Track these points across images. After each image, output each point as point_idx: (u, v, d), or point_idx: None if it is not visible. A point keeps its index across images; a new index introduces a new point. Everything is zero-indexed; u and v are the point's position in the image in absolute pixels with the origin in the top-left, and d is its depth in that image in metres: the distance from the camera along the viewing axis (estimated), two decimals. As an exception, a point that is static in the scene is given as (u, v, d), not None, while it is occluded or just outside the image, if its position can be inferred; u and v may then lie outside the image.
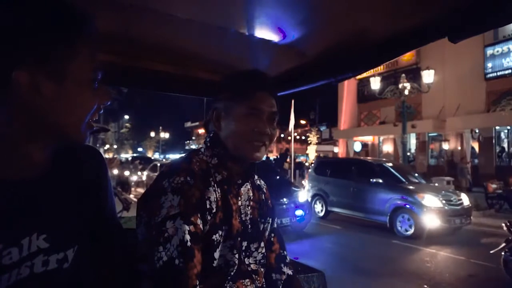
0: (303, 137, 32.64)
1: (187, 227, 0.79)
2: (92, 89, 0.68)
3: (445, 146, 17.30)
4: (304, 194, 7.48)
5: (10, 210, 0.63)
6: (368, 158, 14.67)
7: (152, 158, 29.51)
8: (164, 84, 1.60)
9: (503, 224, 4.61)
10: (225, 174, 0.95)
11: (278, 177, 8.33)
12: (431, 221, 7.15)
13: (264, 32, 1.18)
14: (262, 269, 1.01)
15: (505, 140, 16.43)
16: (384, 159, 12.74)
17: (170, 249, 0.77)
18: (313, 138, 28.78)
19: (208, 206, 0.85)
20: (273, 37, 1.20)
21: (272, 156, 23.36)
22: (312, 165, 11.69)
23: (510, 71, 15.04)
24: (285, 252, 1.14)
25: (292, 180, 12.54)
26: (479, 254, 5.89)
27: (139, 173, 17.23)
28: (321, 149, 28.28)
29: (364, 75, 16.43)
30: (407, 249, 6.59)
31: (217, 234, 0.87)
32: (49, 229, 0.67)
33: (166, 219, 0.79)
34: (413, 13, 1.01)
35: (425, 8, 0.98)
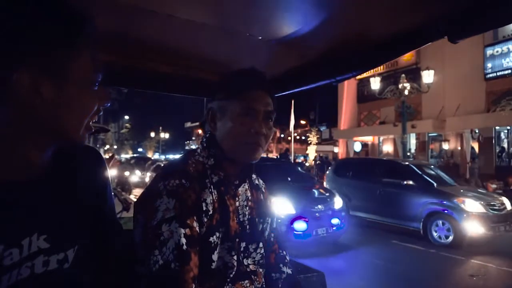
0: (303, 137, 32.65)
1: (182, 230, 0.79)
2: (92, 90, 0.68)
3: (445, 146, 17.29)
4: (339, 199, 6.53)
5: (11, 210, 0.63)
6: (397, 158, 13.66)
7: (152, 158, 29.51)
8: (164, 84, 1.60)
9: None
10: (222, 175, 0.94)
11: (313, 182, 7.65)
12: (473, 228, 6.33)
13: (264, 32, 1.18)
14: (261, 270, 1.01)
15: (505, 140, 16.41)
16: (414, 160, 11.82)
17: (166, 252, 0.76)
18: (313, 138, 28.79)
19: (204, 208, 0.85)
20: (273, 37, 1.20)
21: (272, 156, 23.36)
22: (332, 166, 10.80)
23: (510, 71, 15.03)
24: (284, 252, 1.14)
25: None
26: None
27: (148, 174, 17.16)
28: (321, 149, 28.28)
29: (364, 75, 16.43)
30: (449, 260, 5.85)
31: (214, 236, 0.86)
32: (49, 229, 0.67)
33: (162, 223, 0.79)
34: (413, 13, 1.01)
35: (425, 8, 0.98)
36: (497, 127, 15.80)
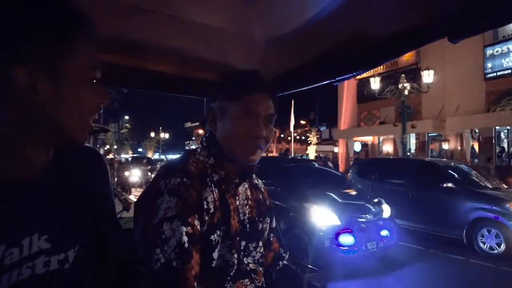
0: (303, 137, 32.65)
1: (184, 229, 0.79)
2: (91, 88, 0.67)
3: (445, 146, 17.29)
4: (387, 207, 5.55)
5: (11, 210, 0.63)
6: (432, 158, 12.84)
7: (152, 158, 29.51)
8: (164, 84, 1.60)
9: None
10: (222, 173, 0.94)
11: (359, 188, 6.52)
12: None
13: (264, 32, 1.18)
14: (261, 269, 1.01)
15: (505, 140, 16.41)
16: (452, 160, 10.99)
17: (168, 251, 0.77)
18: (313, 138, 28.80)
19: (205, 207, 0.85)
20: (273, 37, 1.20)
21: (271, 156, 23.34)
22: (353, 166, 9.77)
23: (510, 71, 15.03)
24: (283, 250, 1.14)
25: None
26: None
27: (149, 173, 17.05)
28: (321, 149, 28.29)
29: (364, 75, 16.43)
30: (501, 274, 5.16)
31: (215, 234, 0.87)
32: (50, 229, 0.67)
33: (163, 221, 0.79)
34: (413, 13, 1.01)
35: (425, 8, 0.98)
36: (497, 127, 15.80)
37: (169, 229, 0.78)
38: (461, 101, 15.87)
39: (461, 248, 6.12)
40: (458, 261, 5.77)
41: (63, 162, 0.75)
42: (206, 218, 0.85)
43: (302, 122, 33.09)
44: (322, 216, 4.89)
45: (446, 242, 6.47)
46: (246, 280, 0.94)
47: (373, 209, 5.33)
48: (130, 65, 1.41)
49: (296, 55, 1.36)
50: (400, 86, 12.60)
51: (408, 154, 15.87)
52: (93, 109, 0.69)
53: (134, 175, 16.51)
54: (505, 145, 16.20)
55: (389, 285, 4.71)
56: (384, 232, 5.15)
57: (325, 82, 1.47)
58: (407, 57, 17.86)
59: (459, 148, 16.83)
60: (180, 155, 0.99)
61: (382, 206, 5.52)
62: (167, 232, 0.78)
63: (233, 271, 0.90)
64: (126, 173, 15.93)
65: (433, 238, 6.66)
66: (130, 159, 21.71)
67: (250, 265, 0.98)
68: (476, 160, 14.72)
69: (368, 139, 21.87)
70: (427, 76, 12.22)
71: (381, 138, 21.27)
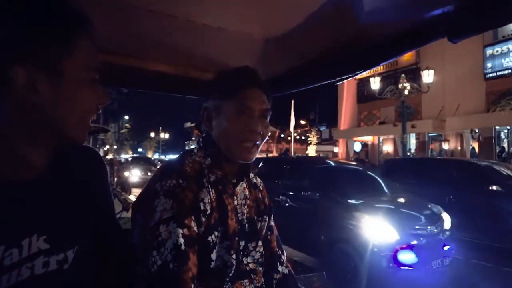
0: (303, 137, 32.65)
1: (180, 231, 0.78)
2: (90, 88, 0.67)
3: (445, 146, 17.29)
4: (447, 216, 4.64)
5: (10, 211, 0.63)
6: (469, 159, 11.67)
7: (152, 158, 29.51)
8: (164, 84, 1.60)
9: None
10: (219, 174, 0.94)
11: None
12: None
13: (264, 32, 1.18)
14: (260, 268, 1.01)
15: (505, 140, 16.41)
16: (494, 161, 9.65)
17: (164, 253, 0.76)
18: (313, 138, 28.81)
19: (202, 208, 0.85)
20: (273, 37, 1.20)
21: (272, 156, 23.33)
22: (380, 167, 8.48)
23: (509, 71, 15.02)
24: (280, 251, 1.13)
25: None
26: None
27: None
28: (321, 149, 28.30)
29: (364, 75, 16.42)
30: None
31: (212, 235, 0.86)
32: (49, 230, 0.67)
33: (160, 223, 0.79)
34: (412, 13, 1.01)
35: (425, 8, 0.98)
36: (497, 127, 15.80)
37: (166, 231, 0.78)
38: (461, 101, 15.86)
39: (509, 259, 5.17)
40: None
41: (63, 162, 0.75)
42: (203, 219, 0.85)
43: (302, 122, 33.09)
44: (377, 229, 3.96)
45: (496, 252, 5.45)
46: (246, 280, 0.94)
47: (433, 219, 4.42)
48: (130, 65, 1.41)
49: (296, 55, 1.36)
50: (400, 86, 12.59)
51: (408, 154, 15.87)
52: (93, 109, 0.69)
53: (134, 175, 16.52)
54: (505, 145, 16.20)
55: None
56: (447, 247, 4.26)
57: (325, 82, 1.47)
58: (407, 57, 17.86)
59: (459, 148, 16.83)
60: (177, 156, 0.99)
61: (442, 215, 4.62)
62: (163, 234, 0.78)
63: (232, 272, 0.90)
64: (126, 173, 15.94)
65: (473, 247, 5.49)
66: (130, 159, 21.72)
67: (250, 265, 0.98)
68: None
69: (368, 139, 21.87)
70: (427, 76, 12.22)
71: (381, 138, 21.26)
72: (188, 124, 51.86)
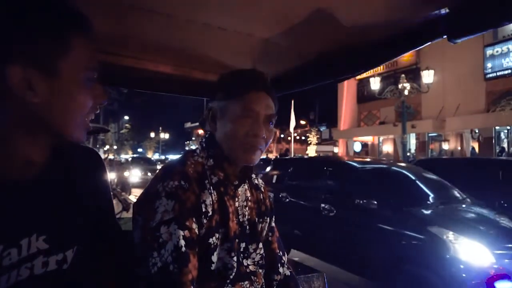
0: (303, 138, 32.66)
1: (181, 232, 0.78)
2: (87, 88, 0.67)
3: (445, 146, 17.29)
4: None
5: (10, 210, 0.63)
6: None
7: (152, 158, 29.52)
8: (164, 85, 1.60)
9: None
10: (221, 175, 0.93)
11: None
12: None
13: (264, 32, 1.18)
14: (260, 270, 1.00)
15: (505, 140, 16.42)
16: None
17: (165, 254, 0.76)
18: (313, 138, 28.80)
19: (203, 210, 0.84)
20: (273, 37, 1.20)
21: (272, 156, 23.33)
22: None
23: (509, 71, 15.03)
24: (281, 252, 1.13)
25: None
26: None
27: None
28: (321, 149, 28.27)
29: (364, 75, 16.43)
30: None
31: (214, 237, 0.86)
32: (48, 230, 0.67)
33: (161, 224, 0.78)
34: (412, 13, 1.01)
35: (425, 8, 0.98)
36: (497, 127, 15.80)
37: (166, 233, 0.78)
38: (461, 101, 15.86)
39: None
40: None
41: (62, 162, 0.75)
42: (204, 221, 0.84)
43: (302, 122, 33.08)
44: (463, 248, 3.04)
45: None
46: (246, 282, 0.94)
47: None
48: (130, 65, 1.41)
49: (296, 55, 1.36)
50: (400, 86, 12.59)
51: (408, 154, 15.86)
52: (91, 109, 0.69)
53: (134, 175, 16.53)
54: (505, 145, 16.20)
55: None
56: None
57: (325, 82, 1.47)
58: (407, 57, 17.86)
59: (459, 148, 16.83)
60: (179, 157, 0.98)
61: None
62: (164, 235, 0.77)
63: (233, 274, 0.90)
64: (126, 173, 15.95)
65: None
66: (130, 159, 21.72)
67: (250, 267, 0.97)
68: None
69: (368, 139, 21.87)
70: (427, 76, 12.22)
71: (381, 138, 21.26)
72: (188, 124, 51.85)
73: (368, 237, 3.86)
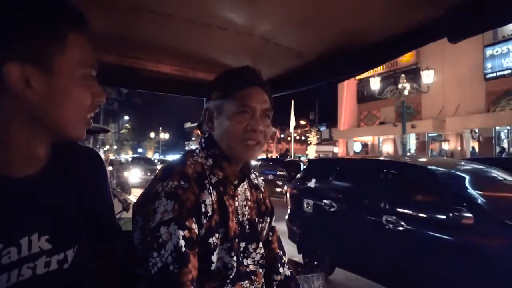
0: (303, 138, 32.66)
1: (181, 232, 0.78)
2: (85, 85, 0.67)
3: (445, 146, 17.29)
4: None
5: (8, 209, 0.63)
6: None
7: (153, 159, 29.53)
8: (164, 85, 1.60)
9: None
10: (221, 175, 0.93)
11: None
12: None
13: (264, 33, 1.18)
14: (260, 270, 1.00)
15: (505, 140, 16.43)
16: None
17: (165, 255, 0.76)
18: (313, 138, 28.81)
19: (203, 210, 0.84)
20: (273, 37, 1.20)
21: (272, 156, 23.33)
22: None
23: (509, 71, 15.04)
24: (282, 252, 1.13)
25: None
26: None
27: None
28: (320, 149, 28.30)
29: (364, 75, 16.44)
30: None
31: (213, 237, 0.86)
32: (50, 229, 0.67)
33: (160, 225, 0.78)
34: (412, 13, 1.01)
35: (424, 8, 0.98)
36: (497, 127, 15.81)
37: (166, 233, 0.78)
38: (461, 101, 15.88)
39: None
40: None
41: (62, 162, 0.75)
42: (204, 221, 0.84)
43: (302, 122, 33.09)
44: None
45: None
46: (246, 282, 0.94)
47: None
48: (130, 65, 1.41)
49: (296, 55, 1.36)
50: (400, 86, 12.60)
51: (408, 154, 15.87)
52: (89, 106, 0.69)
53: (134, 175, 16.53)
54: (505, 145, 16.21)
55: None
56: None
57: (325, 82, 1.47)
58: (406, 58, 17.88)
59: (459, 148, 16.84)
60: (178, 157, 0.98)
61: None
62: (164, 235, 0.77)
63: (233, 273, 0.90)
64: (126, 174, 15.95)
65: None
66: (130, 159, 21.72)
67: (250, 266, 0.97)
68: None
69: (368, 139, 21.89)
70: (427, 76, 12.23)
71: (381, 138, 21.27)
72: (188, 124, 51.91)
73: (457, 261, 2.95)
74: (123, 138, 47.77)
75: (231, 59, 1.43)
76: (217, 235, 0.87)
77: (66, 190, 0.74)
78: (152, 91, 1.72)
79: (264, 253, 1.02)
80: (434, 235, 3.16)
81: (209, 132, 0.98)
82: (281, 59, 1.42)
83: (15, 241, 0.62)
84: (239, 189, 0.98)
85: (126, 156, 32.41)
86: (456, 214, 2.93)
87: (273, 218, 1.13)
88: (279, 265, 1.09)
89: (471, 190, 3.31)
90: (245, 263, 0.96)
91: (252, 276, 0.97)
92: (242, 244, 0.95)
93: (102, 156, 1.01)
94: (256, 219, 1.02)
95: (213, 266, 0.86)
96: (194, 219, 0.82)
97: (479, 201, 3.09)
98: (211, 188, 0.89)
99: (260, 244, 1.01)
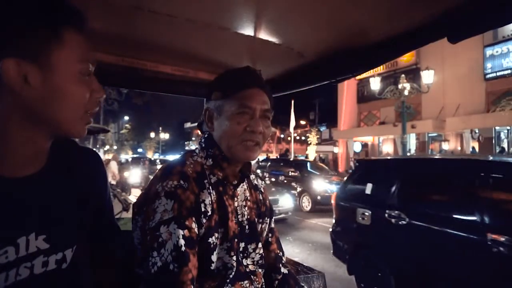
0: (303, 138, 32.64)
1: (181, 232, 0.78)
2: (83, 81, 0.67)
3: (445, 146, 17.28)
4: None
5: (6, 208, 0.63)
6: None
7: (153, 159, 29.53)
8: (164, 85, 1.60)
9: None
10: (220, 175, 0.93)
11: None
12: None
13: (264, 33, 1.17)
14: (260, 270, 1.01)
15: (505, 140, 16.41)
16: None
17: (165, 254, 0.76)
18: (313, 138, 28.78)
19: (203, 209, 0.84)
20: (273, 37, 1.20)
21: (273, 156, 23.33)
22: None
23: (509, 71, 15.03)
24: (281, 253, 1.13)
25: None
26: None
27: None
28: (321, 149, 28.28)
29: (364, 75, 16.43)
30: None
31: (213, 237, 0.86)
32: (48, 229, 0.67)
33: (160, 224, 0.78)
34: (412, 13, 1.01)
35: (424, 8, 0.98)
36: (497, 127, 15.80)
37: (166, 232, 0.78)
38: (461, 101, 15.87)
39: None
40: None
41: (61, 162, 0.75)
42: (204, 220, 0.84)
43: (302, 122, 33.07)
44: None
45: None
46: (246, 281, 0.94)
47: None
48: (130, 65, 1.41)
49: (296, 55, 1.36)
50: (400, 86, 12.59)
51: (408, 154, 15.86)
52: (88, 103, 0.69)
53: (134, 175, 16.52)
54: (505, 145, 16.20)
55: None
56: None
57: (325, 82, 1.47)
58: (406, 58, 17.87)
59: (459, 148, 16.83)
60: (178, 157, 0.98)
61: None
62: (164, 235, 0.78)
63: (232, 273, 0.90)
64: (126, 174, 15.94)
65: None
66: (130, 159, 21.72)
67: (250, 266, 0.97)
68: None
69: (368, 139, 21.87)
70: (427, 76, 12.21)
71: (381, 138, 21.26)
72: (188, 125, 51.90)
73: None
74: (123, 138, 47.76)
75: (231, 59, 1.43)
76: (216, 234, 0.87)
77: (65, 190, 0.74)
78: (152, 91, 1.72)
79: (263, 254, 1.03)
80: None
81: (209, 132, 0.98)
82: (281, 59, 1.42)
83: (13, 241, 0.62)
84: (238, 189, 0.98)
85: (126, 156, 32.40)
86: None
87: (273, 219, 1.13)
88: (280, 265, 1.10)
89: None
90: (245, 263, 0.96)
91: (252, 276, 0.97)
92: (242, 244, 0.96)
93: (103, 157, 1.01)
94: (256, 219, 1.02)
95: (213, 266, 0.86)
96: (193, 219, 0.82)
97: None
98: (210, 188, 0.89)
99: (260, 245, 1.02)
